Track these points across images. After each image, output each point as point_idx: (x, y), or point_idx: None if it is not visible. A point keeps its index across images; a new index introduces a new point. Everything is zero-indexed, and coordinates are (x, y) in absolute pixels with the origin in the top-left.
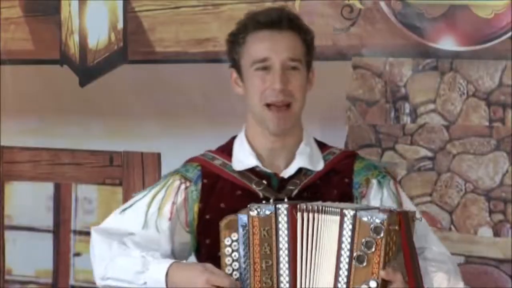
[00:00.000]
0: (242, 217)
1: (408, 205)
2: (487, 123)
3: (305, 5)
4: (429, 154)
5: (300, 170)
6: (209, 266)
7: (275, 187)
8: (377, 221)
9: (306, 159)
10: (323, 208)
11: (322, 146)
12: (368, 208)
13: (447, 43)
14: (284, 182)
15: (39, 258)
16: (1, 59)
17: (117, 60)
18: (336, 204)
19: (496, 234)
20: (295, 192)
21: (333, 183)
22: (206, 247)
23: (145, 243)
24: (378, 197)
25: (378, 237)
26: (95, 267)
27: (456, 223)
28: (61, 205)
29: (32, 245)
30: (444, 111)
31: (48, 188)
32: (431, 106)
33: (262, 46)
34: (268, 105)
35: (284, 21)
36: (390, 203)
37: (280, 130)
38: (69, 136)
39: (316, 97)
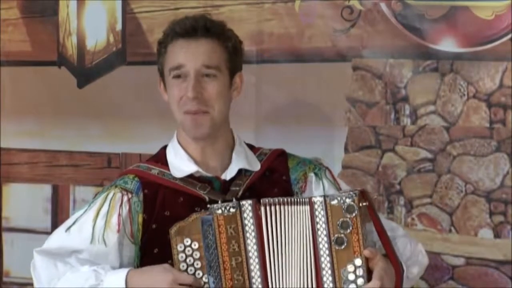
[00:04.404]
0: (205, 218)
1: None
2: (487, 125)
3: (305, 6)
4: (429, 155)
5: (240, 171)
6: (168, 266)
7: (218, 190)
8: (348, 200)
9: (244, 160)
10: (288, 200)
11: (251, 147)
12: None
13: (448, 44)
14: (226, 184)
15: None
16: None
17: (116, 61)
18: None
19: (497, 235)
20: (240, 192)
21: (273, 182)
22: (154, 257)
23: (92, 258)
24: (320, 188)
25: (352, 215)
26: None
27: (456, 224)
28: (59, 207)
29: (30, 247)
30: (444, 112)
31: (46, 189)
32: (431, 108)
33: (178, 54)
34: (186, 112)
35: (199, 30)
36: (332, 192)
37: (198, 134)
38: (67, 138)
39: (316, 98)
